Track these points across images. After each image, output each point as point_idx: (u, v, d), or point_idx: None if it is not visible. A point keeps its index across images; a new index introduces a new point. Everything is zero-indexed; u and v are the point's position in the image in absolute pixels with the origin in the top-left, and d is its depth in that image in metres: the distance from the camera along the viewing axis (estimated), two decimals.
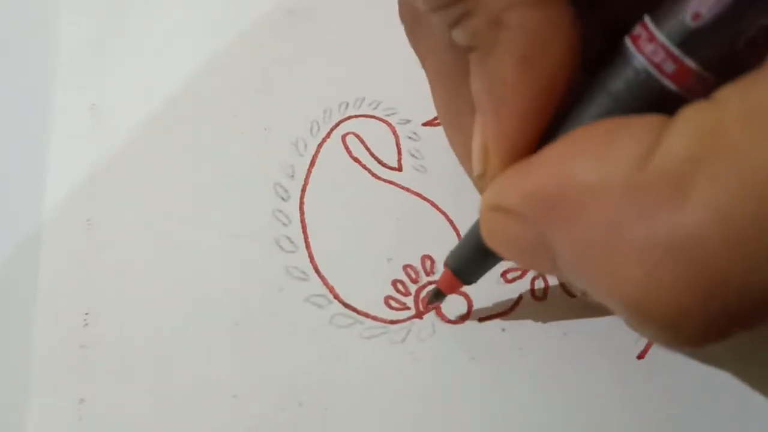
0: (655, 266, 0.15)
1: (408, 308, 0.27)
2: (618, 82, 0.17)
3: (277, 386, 0.25)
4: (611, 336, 0.26)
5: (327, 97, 0.31)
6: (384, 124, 0.31)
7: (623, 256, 0.15)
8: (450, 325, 0.26)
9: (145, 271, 0.27)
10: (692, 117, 0.15)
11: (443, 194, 0.29)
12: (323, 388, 0.25)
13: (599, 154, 0.16)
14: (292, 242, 0.28)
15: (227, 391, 0.25)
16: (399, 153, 0.30)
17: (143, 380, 0.25)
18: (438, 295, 0.26)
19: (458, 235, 0.28)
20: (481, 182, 0.20)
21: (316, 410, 0.25)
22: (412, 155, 0.30)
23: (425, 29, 0.22)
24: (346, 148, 0.30)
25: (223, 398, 0.25)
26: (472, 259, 0.24)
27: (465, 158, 0.22)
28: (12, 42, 0.33)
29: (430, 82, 0.23)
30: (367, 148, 0.30)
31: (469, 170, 0.21)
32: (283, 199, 0.29)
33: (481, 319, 0.27)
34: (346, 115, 0.31)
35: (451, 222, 0.28)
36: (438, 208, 0.29)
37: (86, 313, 0.26)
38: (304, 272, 0.27)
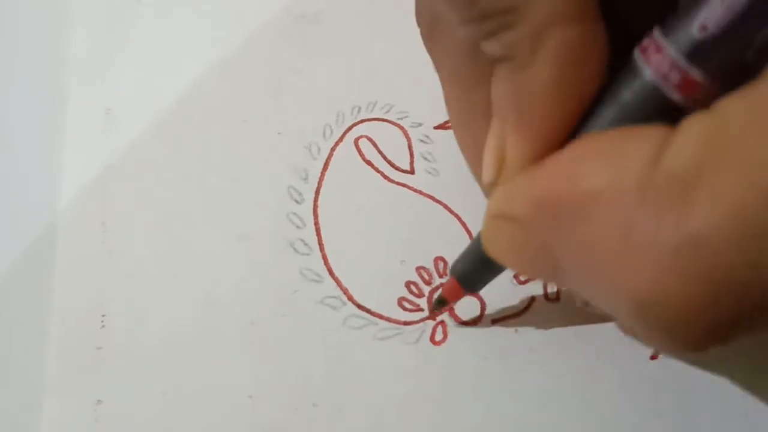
0: (665, 266, 0.15)
1: (421, 309, 0.27)
2: (627, 93, 0.17)
3: (291, 387, 0.25)
4: (624, 337, 0.26)
5: (339, 101, 0.31)
6: (396, 128, 0.31)
7: (632, 257, 0.15)
8: (463, 326, 0.27)
9: (161, 274, 0.27)
10: (698, 123, 0.15)
11: (455, 196, 0.29)
12: (337, 389, 0.25)
13: (607, 160, 0.16)
14: (306, 245, 0.28)
15: (242, 392, 0.25)
16: (411, 156, 0.30)
17: (159, 381, 0.25)
18: (441, 302, 0.26)
19: (470, 236, 0.28)
20: (491, 189, 0.20)
21: (331, 411, 0.25)
22: (425, 158, 0.30)
23: (444, 34, 0.21)
24: (359, 151, 0.30)
25: (239, 399, 0.25)
26: (477, 268, 0.24)
27: (475, 162, 0.22)
28: (27, 47, 0.33)
29: (444, 85, 0.23)
30: (380, 152, 0.30)
31: (477, 175, 0.21)
32: (297, 202, 0.29)
33: (494, 321, 0.27)
34: (359, 119, 0.31)
35: (463, 224, 0.28)
36: (450, 211, 0.29)
37: (103, 315, 0.26)
38: (318, 274, 0.27)
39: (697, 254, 0.14)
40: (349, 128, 0.31)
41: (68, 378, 0.25)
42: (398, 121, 0.31)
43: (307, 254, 0.28)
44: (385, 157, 0.30)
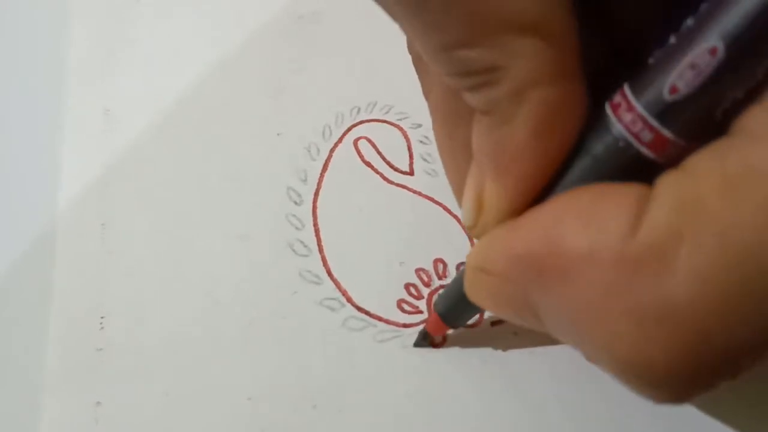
0: (646, 331, 0.15)
1: (421, 312, 0.27)
2: (599, 147, 0.18)
3: (290, 389, 0.25)
4: None
5: (339, 102, 0.31)
6: (396, 129, 0.31)
7: (614, 321, 0.16)
8: (462, 328, 0.27)
9: (161, 275, 0.27)
10: (671, 187, 0.16)
11: (455, 198, 0.29)
12: (337, 391, 0.25)
13: (586, 223, 0.17)
14: (305, 246, 0.28)
15: (242, 393, 0.25)
16: (411, 157, 0.30)
17: (159, 382, 0.25)
18: (425, 337, 0.26)
19: (470, 238, 0.28)
20: (471, 232, 0.21)
21: (330, 413, 0.25)
22: (424, 159, 0.30)
23: (430, 72, 0.22)
24: (359, 152, 0.30)
25: (238, 400, 0.25)
26: (459, 307, 0.24)
27: (458, 191, 0.22)
28: (25, 48, 0.33)
29: (431, 114, 0.23)
30: (379, 153, 0.30)
31: (460, 201, 0.22)
32: (296, 203, 0.29)
33: (493, 324, 0.27)
34: (358, 120, 0.31)
35: (463, 226, 0.28)
36: (450, 212, 0.29)
37: (102, 316, 0.26)
38: (317, 276, 0.27)
39: (676, 321, 0.15)
40: (349, 129, 0.31)
41: (68, 379, 0.25)
42: (398, 122, 0.31)
43: (306, 255, 0.28)
44: (384, 158, 0.30)
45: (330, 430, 0.25)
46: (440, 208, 0.29)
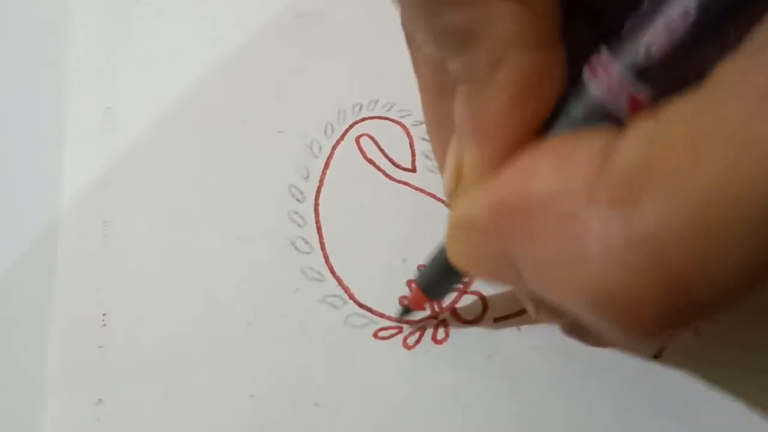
0: (616, 260, 0.16)
1: (423, 308, 0.27)
2: (578, 108, 0.18)
3: (292, 386, 0.25)
4: None
5: (340, 99, 0.31)
6: (398, 126, 0.31)
7: (586, 254, 0.16)
8: (465, 325, 0.26)
9: (162, 273, 0.27)
10: (645, 124, 0.16)
11: (439, 172, 0.29)
12: (339, 388, 0.25)
13: (558, 162, 0.17)
14: (307, 243, 0.28)
15: (244, 391, 0.25)
16: (413, 154, 0.30)
17: (160, 380, 0.25)
18: (407, 311, 0.26)
19: None
20: (451, 199, 0.21)
21: (332, 410, 0.25)
22: (426, 156, 0.30)
23: (417, 46, 0.22)
24: (360, 149, 0.30)
25: (240, 398, 0.25)
26: (440, 277, 0.25)
27: (441, 166, 0.23)
28: (26, 47, 0.33)
29: (420, 92, 0.24)
30: (381, 150, 0.30)
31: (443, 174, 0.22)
32: (298, 200, 0.29)
33: (496, 320, 0.27)
34: (360, 117, 0.31)
35: None
36: None
37: (104, 314, 0.26)
38: (319, 273, 0.27)
39: (646, 250, 0.15)
40: (351, 126, 0.31)
41: (69, 377, 0.25)
42: (400, 119, 0.31)
43: (308, 253, 0.28)
44: (386, 155, 0.30)
45: (331, 428, 0.25)
46: (442, 205, 0.29)
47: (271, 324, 0.26)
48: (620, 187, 0.16)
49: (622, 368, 0.26)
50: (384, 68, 0.32)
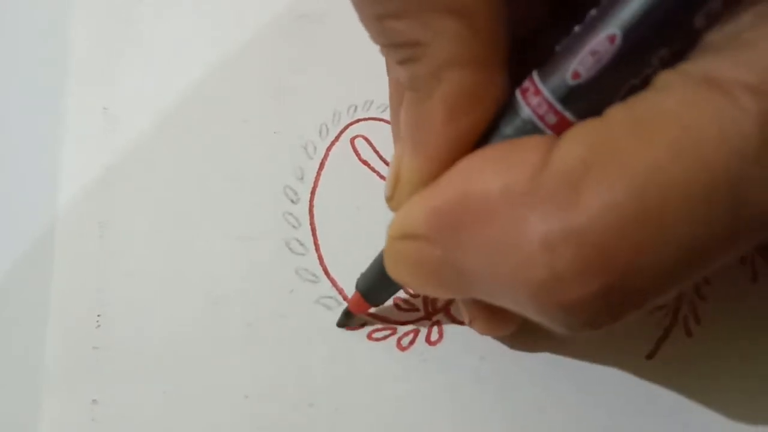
0: (556, 255, 0.16)
1: (417, 309, 0.27)
2: (509, 129, 0.19)
3: (287, 387, 0.25)
4: (620, 336, 0.26)
5: (336, 101, 0.31)
6: None
7: (527, 251, 0.17)
8: (459, 325, 0.26)
9: (157, 273, 0.27)
10: (583, 128, 0.17)
11: None
12: (333, 389, 0.25)
13: (499, 166, 0.18)
14: (302, 244, 0.28)
15: (239, 391, 0.25)
16: None
17: (156, 381, 0.25)
18: (348, 316, 0.26)
19: None
20: (389, 205, 0.22)
21: (327, 411, 0.25)
22: None
23: None
24: (355, 150, 0.30)
25: (235, 399, 0.25)
26: (380, 285, 0.25)
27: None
28: (25, 47, 0.33)
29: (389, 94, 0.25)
30: (376, 151, 0.30)
31: None
32: (292, 201, 0.29)
33: None
34: (355, 118, 0.31)
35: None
36: None
37: (99, 315, 0.26)
38: (314, 274, 0.27)
39: (584, 243, 0.16)
40: (346, 127, 0.31)
41: (67, 378, 0.25)
42: None
43: (303, 254, 0.28)
44: (381, 157, 0.30)
45: (327, 429, 0.25)
46: None
47: (267, 325, 0.26)
48: (560, 185, 0.16)
49: (615, 370, 0.26)
50: (380, 70, 0.31)
